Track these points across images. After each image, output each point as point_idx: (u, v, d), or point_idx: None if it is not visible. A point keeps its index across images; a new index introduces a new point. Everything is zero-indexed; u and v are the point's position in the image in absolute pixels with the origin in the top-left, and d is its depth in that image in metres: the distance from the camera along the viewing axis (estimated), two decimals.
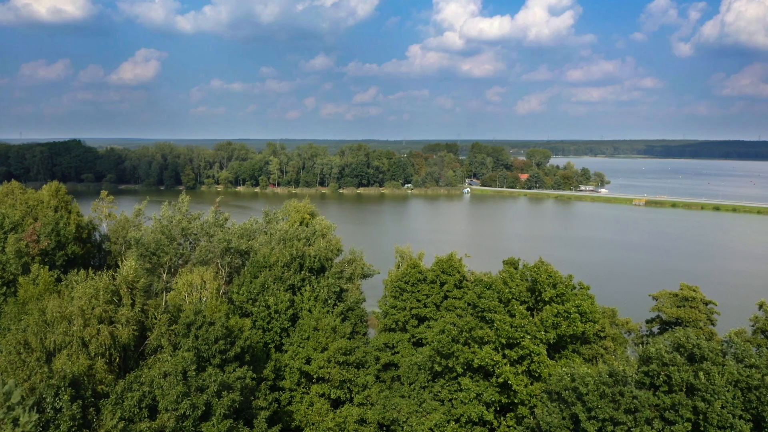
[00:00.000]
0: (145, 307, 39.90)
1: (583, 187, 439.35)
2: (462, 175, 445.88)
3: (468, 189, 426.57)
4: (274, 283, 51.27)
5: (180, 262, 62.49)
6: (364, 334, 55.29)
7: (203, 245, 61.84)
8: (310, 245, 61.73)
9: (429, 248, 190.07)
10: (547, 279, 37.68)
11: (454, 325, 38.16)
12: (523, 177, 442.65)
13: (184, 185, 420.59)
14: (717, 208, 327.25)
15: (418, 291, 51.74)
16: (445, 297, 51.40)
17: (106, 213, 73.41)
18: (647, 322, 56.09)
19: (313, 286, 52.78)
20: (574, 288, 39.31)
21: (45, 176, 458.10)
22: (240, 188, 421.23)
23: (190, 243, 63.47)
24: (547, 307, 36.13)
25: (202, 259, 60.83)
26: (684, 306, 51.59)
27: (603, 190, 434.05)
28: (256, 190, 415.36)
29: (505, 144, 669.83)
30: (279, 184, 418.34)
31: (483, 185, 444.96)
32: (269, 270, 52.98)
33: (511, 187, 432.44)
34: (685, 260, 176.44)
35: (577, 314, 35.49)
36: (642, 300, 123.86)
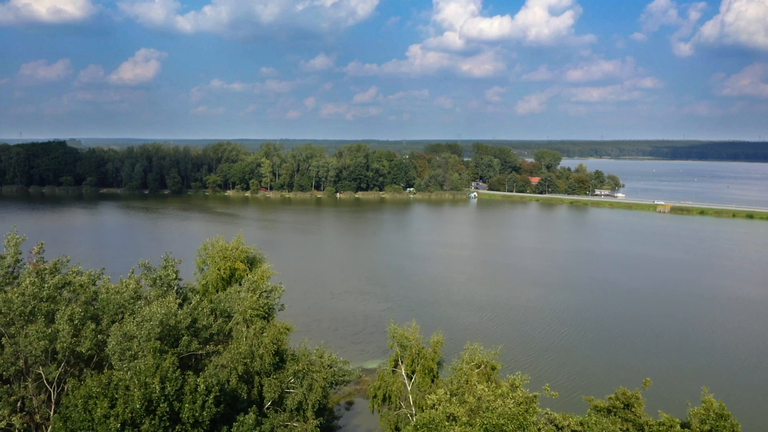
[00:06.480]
0: None
1: (598, 192, 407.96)
2: (468, 178, 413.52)
3: (475, 194, 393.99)
4: None
5: None
6: None
7: (8, 342, 31.18)
8: (215, 344, 31.15)
9: (435, 267, 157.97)
10: None
11: None
12: (534, 180, 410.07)
13: (169, 189, 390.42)
14: (750, 216, 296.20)
15: None
16: None
17: None
18: None
19: None
20: None
21: (22, 179, 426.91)
22: (230, 192, 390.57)
23: None
24: None
25: (6, 369, 30.63)
26: None
27: (620, 195, 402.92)
28: (246, 194, 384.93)
29: (505, 144, 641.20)
30: (272, 188, 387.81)
31: (490, 189, 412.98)
32: None
33: (521, 192, 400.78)
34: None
35: None
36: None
